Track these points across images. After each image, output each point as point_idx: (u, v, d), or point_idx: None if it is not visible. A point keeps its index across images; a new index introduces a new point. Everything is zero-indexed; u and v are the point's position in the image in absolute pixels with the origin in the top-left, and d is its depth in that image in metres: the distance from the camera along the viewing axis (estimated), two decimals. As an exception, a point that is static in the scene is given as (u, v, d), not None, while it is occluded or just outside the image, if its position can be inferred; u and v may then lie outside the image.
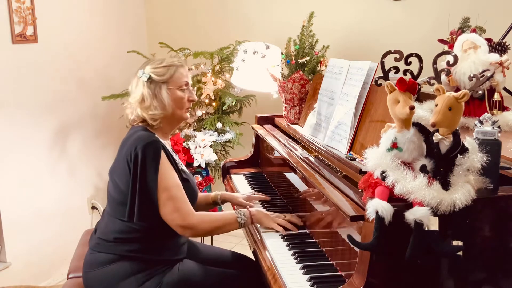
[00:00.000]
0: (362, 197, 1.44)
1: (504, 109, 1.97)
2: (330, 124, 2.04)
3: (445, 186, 1.31)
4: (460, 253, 1.28)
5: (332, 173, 1.80)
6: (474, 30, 2.23)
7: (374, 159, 1.39)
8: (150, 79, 1.92)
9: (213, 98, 3.32)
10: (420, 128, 1.38)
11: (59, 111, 3.30)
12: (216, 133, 3.30)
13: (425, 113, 1.79)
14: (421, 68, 1.86)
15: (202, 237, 3.39)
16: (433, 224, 1.28)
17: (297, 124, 2.48)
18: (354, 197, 1.55)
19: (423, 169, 1.33)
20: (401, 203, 1.31)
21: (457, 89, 1.96)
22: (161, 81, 1.92)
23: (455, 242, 1.29)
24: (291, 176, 2.20)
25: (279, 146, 2.32)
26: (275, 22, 3.51)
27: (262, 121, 2.80)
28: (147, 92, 1.91)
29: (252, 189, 2.49)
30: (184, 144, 3.24)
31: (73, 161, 3.42)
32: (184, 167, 2.03)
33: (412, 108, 1.34)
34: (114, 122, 3.48)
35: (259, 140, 2.81)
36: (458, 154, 1.32)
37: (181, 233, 1.87)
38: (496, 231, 1.37)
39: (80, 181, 3.45)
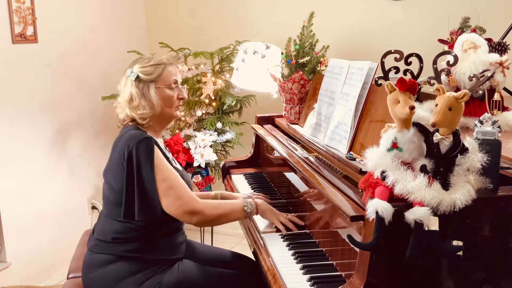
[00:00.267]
0: (362, 197, 1.44)
1: (504, 109, 1.97)
2: (330, 124, 2.04)
3: (445, 186, 1.31)
4: (460, 253, 1.28)
5: (332, 173, 1.80)
6: (474, 30, 2.23)
7: (374, 159, 1.39)
8: (138, 79, 1.91)
9: (213, 98, 3.32)
10: (420, 128, 1.38)
11: (59, 111, 3.30)
12: (216, 133, 3.30)
13: (425, 113, 1.79)
14: (421, 68, 1.86)
15: (202, 238, 3.40)
16: (433, 224, 1.28)
17: (297, 124, 2.48)
18: (354, 197, 1.55)
19: (423, 169, 1.33)
20: (401, 203, 1.31)
21: (457, 89, 1.96)
22: (149, 80, 1.92)
23: (455, 242, 1.29)
24: (291, 176, 2.20)
25: (279, 146, 2.32)
26: (275, 22, 3.51)
27: (262, 121, 2.80)
28: (135, 91, 1.91)
29: (252, 189, 2.49)
30: (184, 144, 3.24)
31: (73, 161, 3.42)
32: (178, 165, 2.03)
33: (412, 108, 1.34)
34: (114, 122, 3.44)
35: (259, 140, 2.81)
36: (458, 154, 1.32)
37: (189, 221, 1.85)
38: (496, 231, 1.37)
39: (80, 181, 3.44)
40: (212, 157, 3.20)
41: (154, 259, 1.86)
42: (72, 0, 3.37)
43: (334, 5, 3.31)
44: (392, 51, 1.84)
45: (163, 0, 3.95)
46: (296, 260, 1.73)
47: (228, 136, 3.31)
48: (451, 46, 2.16)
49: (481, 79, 1.89)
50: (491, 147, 1.36)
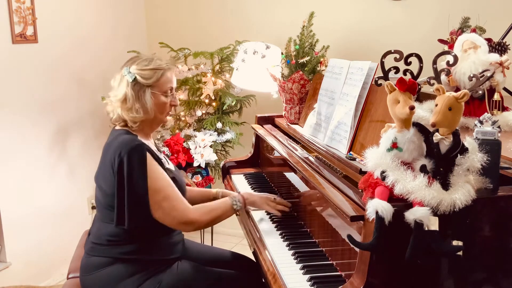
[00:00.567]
0: (362, 197, 1.44)
1: (504, 109, 1.97)
2: (330, 124, 2.04)
3: (445, 186, 1.31)
4: (460, 253, 1.28)
5: (332, 173, 1.80)
6: (474, 30, 2.23)
7: (374, 159, 1.39)
8: (135, 80, 1.86)
9: (213, 98, 3.32)
10: (420, 128, 1.38)
11: (59, 111, 3.30)
12: (216, 133, 3.30)
13: (425, 113, 1.79)
14: (421, 68, 1.86)
15: (202, 238, 3.40)
16: (433, 224, 1.28)
17: (297, 124, 2.48)
18: (354, 197, 1.55)
19: (423, 169, 1.33)
20: (401, 203, 1.31)
21: (457, 89, 1.96)
22: (147, 84, 1.87)
23: (455, 242, 1.29)
24: (291, 176, 2.20)
25: (279, 146, 2.32)
26: (275, 22, 3.51)
27: (262, 121, 2.80)
28: (131, 93, 1.86)
29: (252, 189, 2.49)
30: (184, 144, 3.24)
31: (73, 161, 3.42)
32: (170, 165, 2.01)
33: (412, 108, 1.34)
34: (114, 122, 3.47)
35: (259, 140, 2.81)
36: (458, 154, 1.32)
37: (184, 230, 1.88)
38: (496, 231, 1.37)
39: (80, 181, 3.44)
40: (212, 157, 3.20)
41: (151, 259, 1.86)
42: (72, 0, 3.37)
43: (334, 5, 3.31)
44: (392, 51, 1.84)
45: (163, 0, 3.95)
46: (296, 260, 1.73)
47: (228, 136, 3.31)
48: (451, 46, 2.16)
49: (481, 79, 1.89)
50: (491, 147, 1.37)
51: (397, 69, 1.84)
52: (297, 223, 2.05)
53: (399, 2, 3.11)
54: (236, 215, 2.08)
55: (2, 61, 2.92)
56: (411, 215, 1.28)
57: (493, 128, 1.40)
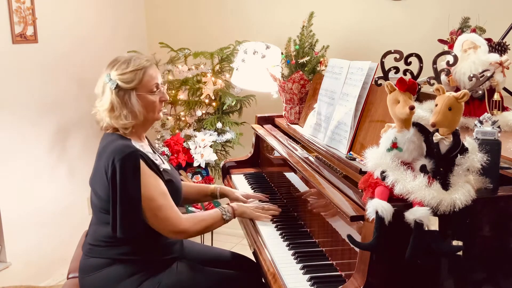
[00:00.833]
0: (362, 197, 1.44)
1: (504, 109, 1.97)
2: (330, 124, 2.04)
3: (445, 186, 1.31)
4: (460, 253, 1.28)
5: (332, 173, 1.80)
6: (474, 30, 2.23)
7: (374, 159, 1.39)
8: (118, 87, 1.82)
9: (213, 98, 3.32)
10: (420, 128, 1.38)
11: (59, 111, 3.30)
12: (216, 133, 3.30)
13: (425, 113, 1.79)
14: (421, 68, 1.86)
15: (202, 238, 3.40)
16: (433, 224, 1.28)
17: (297, 124, 2.48)
18: (354, 197, 1.55)
19: (423, 169, 1.33)
20: (401, 203, 1.31)
21: (457, 89, 1.96)
22: (130, 88, 1.82)
23: (455, 242, 1.29)
24: (291, 176, 2.20)
25: (279, 146, 2.32)
26: (275, 22, 3.51)
27: (262, 121, 2.80)
28: (116, 100, 1.81)
29: (252, 189, 2.49)
30: (184, 144, 3.24)
31: (73, 161, 3.42)
32: (166, 165, 1.99)
33: (412, 108, 1.34)
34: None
35: (259, 140, 2.81)
36: (458, 154, 1.32)
37: (174, 238, 1.88)
38: (496, 231, 1.37)
39: (80, 181, 3.44)
40: (212, 157, 3.20)
41: (149, 260, 1.85)
42: (72, 0, 3.37)
43: (334, 5, 3.31)
44: (392, 51, 1.84)
45: (163, 0, 3.95)
46: (296, 260, 1.73)
47: (228, 136, 3.31)
48: (451, 46, 2.17)
49: (481, 79, 1.89)
50: (491, 147, 1.37)
51: (397, 69, 1.84)
52: (297, 223, 2.05)
53: (399, 2, 3.11)
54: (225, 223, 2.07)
55: (2, 61, 2.92)
56: (411, 215, 1.28)
57: (493, 128, 1.40)
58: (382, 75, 1.84)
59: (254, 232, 2.03)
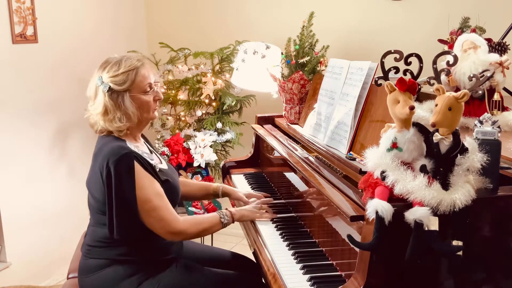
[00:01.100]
0: (362, 197, 1.44)
1: (504, 109, 1.97)
2: (330, 124, 2.04)
3: (445, 186, 1.31)
4: (460, 253, 1.28)
5: (332, 173, 1.80)
6: (474, 30, 2.23)
7: (374, 159, 1.39)
8: (110, 89, 1.80)
9: (213, 98, 3.32)
10: (420, 128, 1.38)
11: (59, 111, 3.30)
12: (216, 133, 3.30)
13: (425, 113, 1.79)
14: (421, 68, 1.86)
15: (202, 238, 3.40)
16: (433, 224, 1.28)
17: (297, 124, 2.48)
18: (354, 197, 1.55)
19: (423, 169, 1.33)
20: (401, 203, 1.31)
21: (457, 89, 1.96)
22: (123, 90, 1.80)
23: (455, 242, 1.29)
24: (291, 176, 2.20)
25: (279, 146, 2.32)
26: (275, 22, 3.51)
27: (262, 121, 2.80)
28: (110, 103, 1.80)
29: (252, 189, 2.49)
30: (184, 144, 3.24)
31: (73, 161, 3.42)
32: (163, 165, 1.98)
33: (412, 108, 1.34)
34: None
35: (259, 140, 2.81)
36: (458, 154, 1.32)
37: (171, 239, 1.87)
38: (496, 231, 1.37)
39: (80, 181, 3.42)
40: (212, 157, 3.20)
41: (148, 260, 1.85)
42: (72, 0, 3.37)
43: (334, 5, 3.31)
44: (392, 51, 1.84)
45: (163, 0, 3.95)
46: (296, 260, 1.73)
47: (228, 136, 3.31)
48: (451, 46, 2.17)
49: (481, 79, 1.89)
50: (491, 147, 1.37)
51: (397, 69, 1.84)
52: (297, 223, 2.05)
53: (399, 2, 3.11)
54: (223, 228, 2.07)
55: (2, 61, 2.92)
56: (411, 215, 1.28)
57: (493, 128, 1.40)
58: (382, 75, 1.84)
59: (254, 232, 2.03)
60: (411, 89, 1.38)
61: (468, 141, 1.36)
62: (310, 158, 2.01)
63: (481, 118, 1.43)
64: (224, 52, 3.37)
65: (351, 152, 1.85)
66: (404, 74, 1.81)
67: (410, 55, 1.84)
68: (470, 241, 1.33)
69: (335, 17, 3.29)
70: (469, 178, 1.34)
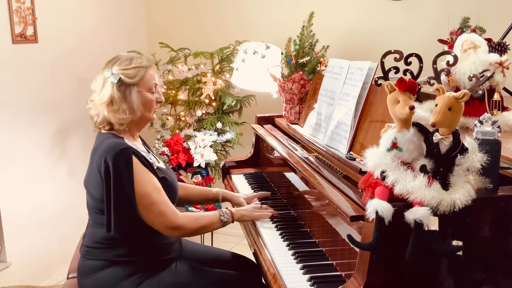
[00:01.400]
0: (362, 197, 1.44)
1: (504, 109, 1.97)
2: (330, 124, 2.04)
3: (445, 186, 1.31)
4: (460, 253, 1.28)
5: (332, 173, 1.80)
6: (474, 30, 2.23)
7: (374, 159, 1.39)
8: (120, 81, 1.84)
9: (213, 98, 3.32)
10: (420, 128, 1.38)
11: (59, 111, 3.30)
12: (216, 133, 3.30)
13: (425, 113, 1.79)
14: (421, 68, 1.86)
15: (202, 238, 3.40)
16: (433, 224, 1.28)
17: (297, 124, 2.48)
18: (354, 197, 1.55)
19: (423, 169, 1.33)
20: (401, 203, 1.31)
21: (457, 89, 1.96)
22: (132, 83, 1.84)
23: (455, 242, 1.29)
24: (291, 176, 2.20)
25: (279, 146, 2.32)
26: (275, 22, 3.51)
27: (262, 121, 2.80)
28: (117, 94, 1.83)
29: (252, 189, 2.49)
30: (184, 144, 3.24)
31: (73, 161, 3.42)
32: (160, 164, 1.99)
33: (412, 108, 1.34)
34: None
35: (259, 140, 2.81)
36: (458, 154, 1.32)
37: (170, 234, 1.87)
38: (496, 231, 1.37)
39: (80, 181, 3.39)
40: (212, 157, 3.20)
41: (147, 260, 1.85)
42: (72, 0, 3.37)
43: (334, 5, 3.31)
44: (392, 51, 1.84)
45: (163, 0, 3.95)
46: (296, 260, 1.73)
47: (228, 136, 3.31)
48: (451, 46, 2.17)
49: (480, 79, 1.89)
50: (491, 147, 1.37)
51: (397, 69, 1.84)
52: (297, 223, 2.05)
53: (399, 2, 3.11)
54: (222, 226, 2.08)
55: (2, 61, 2.92)
56: (411, 215, 1.28)
57: (493, 128, 1.40)
58: (382, 75, 1.84)
59: (254, 232, 2.03)
60: (411, 89, 1.38)
61: (468, 141, 1.36)
62: (310, 158, 2.01)
63: (481, 118, 1.43)
64: (224, 52, 3.37)
65: (351, 152, 1.85)
66: (404, 74, 1.81)
67: (410, 55, 1.84)
68: (470, 241, 1.33)
69: (335, 17, 3.29)
70: (469, 178, 1.34)
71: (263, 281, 1.97)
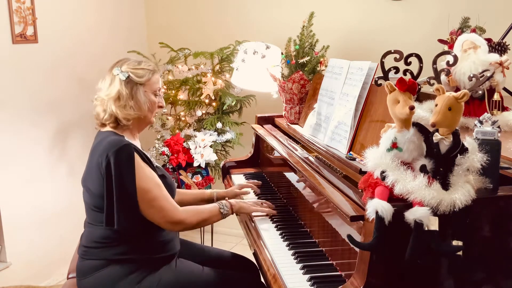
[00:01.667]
0: (362, 197, 1.44)
1: (504, 109, 1.97)
2: (330, 124, 2.04)
3: (445, 186, 1.31)
4: (460, 253, 1.28)
5: (332, 173, 1.80)
6: (474, 30, 2.23)
7: (374, 159, 1.39)
8: (128, 79, 1.90)
9: (213, 98, 3.32)
10: (420, 128, 1.38)
11: (59, 111, 3.30)
12: (216, 133, 3.30)
13: (425, 113, 1.79)
14: (421, 68, 1.86)
15: (202, 238, 3.40)
16: (433, 224, 1.28)
17: (297, 124, 2.48)
18: (354, 197, 1.55)
19: (423, 169, 1.33)
20: (401, 203, 1.31)
21: (457, 89, 1.96)
22: (140, 82, 1.91)
23: (455, 242, 1.29)
24: (291, 176, 2.20)
25: (279, 146, 2.32)
26: (275, 22, 3.51)
27: (262, 121, 2.80)
28: (125, 91, 1.88)
29: (252, 189, 2.49)
30: (184, 144, 3.24)
31: (73, 161, 3.42)
32: (158, 164, 2.03)
33: (412, 108, 1.34)
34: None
35: (259, 140, 2.81)
36: (458, 154, 1.32)
37: (172, 229, 1.89)
38: (496, 231, 1.37)
39: (80, 181, 3.44)
40: (212, 157, 3.20)
41: (146, 258, 1.85)
42: (72, 0, 3.37)
43: (334, 5, 3.31)
44: (392, 51, 1.84)
45: (163, 0, 3.95)
46: (296, 260, 1.73)
47: (228, 136, 3.31)
48: (451, 46, 2.17)
49: (480, 79, 1.89)
50: (491, 147, 1.37)
51: (397, 69, 1.84)
52: (297, 223, 2.05)
53: (399, 2, 3.11)
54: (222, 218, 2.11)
55: (2, 61, 2.92)
56: (411, 215, 1.28)
57: (493, 128, 1.40)
58: (382, 75, 1.84)
59: (254, 232, 2.03)
60: (411, 89, 1.38)
61: (468, 141, 1.36)
62: (310, 158, 2.01)
63: (481, 118, 1.43)
64: (224, 52, 3.37)
65: (351, 152, 1.85)
66: (404, 74, 1.81)
67: (410, 55, 1.84)
68: (470, 241, 1.33)
69: (335, 17, 3.29)
70: (469, 178, 1.34)
71: (262, 281, 1.97)
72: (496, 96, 1.94)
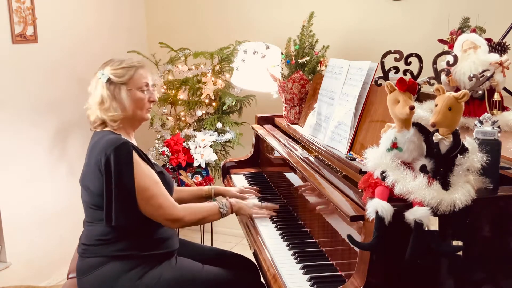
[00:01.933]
0: (362, 197, 1.44)
1: (504, 109, 1.97)
2: (330, 124, 2.04)
3: (445, 186, 1.31)
4: (460, 253, 1.28)
5: (332, 173, 1.80)
6: (474, 30, 2.23)
7: (374, 159, 1.39)
8: (109, 81, 1.91)
9: (213, 98, 3.32)
10: (420, 128, 1.38)
11: (59, 111, 3.30)
12: (216, 133, 3.30)
13: (425, 113, 1.79)
14: (421, 68, 1.86)
15: (202, 238, 3.40)
16: (433, 224, 1.28)
17: (297, 124, 2.48)
18: (354, 197, 1.55)
19: (423, 169, 1.33)
20: (401, 203, 1.31)
21: (457, 89, 1.96)
22: (121, 82, 1.91)
23: (455, 242, 1.29)
24: (291, 176, 2.20)
25: (279, 146, 2.32)
26: (275, 22, 3.51)
27: (262, 121, 2.80)
28: (106, 93, 1.90)
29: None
30: (184, 144, 3.24)
31: (73, 161, 3.42)
32: (155, 162, 2.04)
33: (412, 108, 1.34)
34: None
35: (259, 140, 2.81)
36: (458, 154, 1.32)
37: (170, 226, 1.91)
38: (496, 231, 1.37)
39: (80, 181, 3.45)
40: (212, 157, 3.20)
41: (145, 254, 1.86)
42: (72, 0, 3.37)
43: (334, 5, 3.31)
44: (392, 51, 1.84)
45: (163, 0, 3.95)
46: (296, 260, 1.73)
47: (228, 136, 3.31)
48: (451, 46, 2.16)
49: (481, 79, 1.89)
50: (491, 147, 1.37)
51: (397, 69, 1.84)
52: (297, 223, 2.05)
53: (399, 2, 3.11)
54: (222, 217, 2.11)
55: (2, 61, 2.92)
56: (411, 215, 1.28)
57: (493, 128, 1.40)
58: (382, 75, 1.84)
59: (254, 232, 2.03)
60: (411, 89, 1.38)
61: (468, 141, 1.36)
62: (310, 158, 2.01)
63: (481, 118, 1.43)
64: (224, 52, 3.37)
65: (351, 152, 1.85)
66: (404, 74, 1.81)
67: (410, 55, 1.84)
68: (470, 241, 1.33)
69: (335, 17, 3.29)
70: (469, 178, 1.34)
71: (262, 281, 1.97)
72: (496, 96, 1.94)
